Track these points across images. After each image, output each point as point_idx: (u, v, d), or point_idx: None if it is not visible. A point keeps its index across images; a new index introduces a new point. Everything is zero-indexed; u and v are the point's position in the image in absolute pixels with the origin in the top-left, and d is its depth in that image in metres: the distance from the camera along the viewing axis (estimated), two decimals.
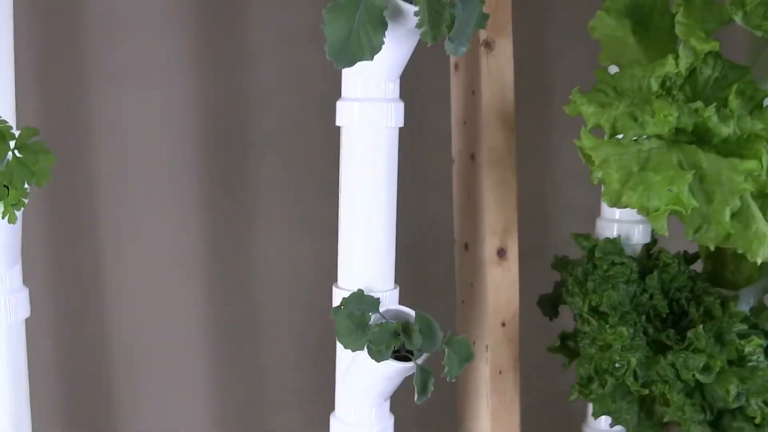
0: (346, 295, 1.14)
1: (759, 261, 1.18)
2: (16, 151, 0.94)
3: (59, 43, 1.56)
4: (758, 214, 1.20)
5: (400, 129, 1.13)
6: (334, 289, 1.18)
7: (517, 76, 1.28)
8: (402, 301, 1.16)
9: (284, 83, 1.67)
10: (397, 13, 1.03)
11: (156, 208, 1.64)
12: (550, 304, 1.42)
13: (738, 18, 1.22)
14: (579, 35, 1.34)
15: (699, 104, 1.18)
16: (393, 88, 1.12)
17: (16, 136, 0.96)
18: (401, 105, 1.13)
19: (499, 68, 1.25)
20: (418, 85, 1.47)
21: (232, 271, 1.69)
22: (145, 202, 1.63)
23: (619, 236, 1.36)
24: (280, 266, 1.71)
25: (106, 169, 1.61)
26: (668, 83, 1.24)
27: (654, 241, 1.41)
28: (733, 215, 1.18)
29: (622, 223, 1.36)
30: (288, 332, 1.74)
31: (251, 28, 1.65)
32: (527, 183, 1.43)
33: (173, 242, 1.65)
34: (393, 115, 1.12)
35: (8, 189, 0.92)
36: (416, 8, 0.99)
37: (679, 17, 1.23)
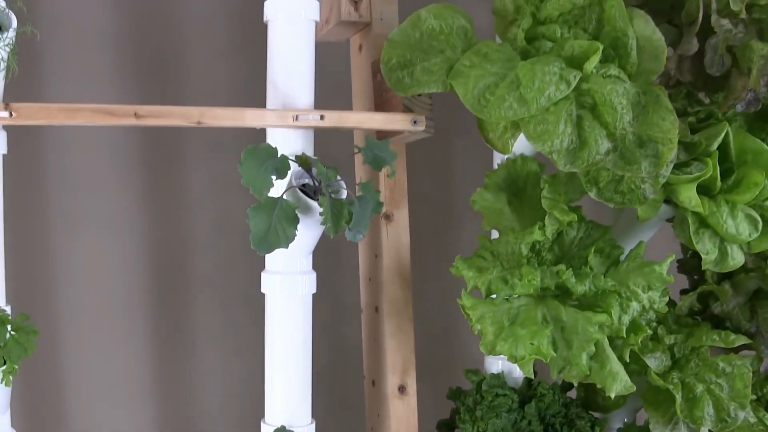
0: (271, 430, 1.37)
1: (612, 395, 1.42)
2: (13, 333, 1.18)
3: (23, 190, 1.77)
4: (612, 356, 1.44)
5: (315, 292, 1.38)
6: (262, 424, 1.41)
7: (413, 239, 1.53)
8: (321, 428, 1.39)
9: (218, 227, 1.89)
10: (307, 209, 1.28)
11: (108, 338, 1.85)
12: (447, 429, 1.66)
13: (593, 193, 1.48)
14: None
15: (560, 267, 1.44)
16: (306, 262, 1.37)
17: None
18: (314, 275, 1.37)
19: (397, 235, 1.51)
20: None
21: (173, 392, 1.90)
22: (99, 331, 1.84)
23: (503, 371, 1.60)
24: (214, 389, 1.92)
25: (65, 304, 1.82)
26: (537, 246, 1.49)
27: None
28: (591, 357, 1.42)
29: (505, 360, 1.60)
30: None
31: (188, 180, 1.88)
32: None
33: (123, 367, 1.86)
34: (307, 283, 1.36)
35: (5, 361, 1.16)
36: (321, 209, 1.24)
37: (545, 192, 1.48)
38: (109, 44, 1.80)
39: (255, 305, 1.78)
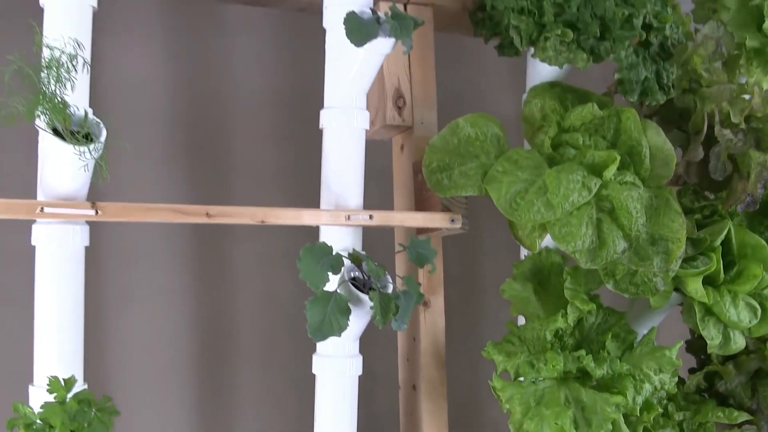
0: None
1: None
2: (97, 413, 1.34)
3: None
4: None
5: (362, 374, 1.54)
6: None
7: (448, 322, 1.70)
8: None
9: (261, 303, 2.05)
10: (358, 301, 1.44)
11: (156, 408, 1.99)
12: None
13: (610, 285, 1.65)
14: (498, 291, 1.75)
15: (581, 353, 1.60)
16: (354, 346, 1.53)
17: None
18: (359, 358, 1.54)
19: (433, 320, 1.67)
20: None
21: None
22: (147, 400, 1.99)
23: None
24: None
25: (116, 373, 1.97)
26: (560, 332, 1.66)
27: None
28: None
29: None
30: None
31: (232, 257, 2.04)
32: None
33: None
34: (354, 366, 1.53)
35: None
36: (371, 303, 1.41)
37: (567, 284, 1.65)
38: (159, 129, 1.95)
39: (298, 379, 1.95)
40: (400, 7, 1.69)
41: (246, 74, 2.02)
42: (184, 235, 1.99)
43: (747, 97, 1.72)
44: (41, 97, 1.28)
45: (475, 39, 1.76)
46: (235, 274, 2.03)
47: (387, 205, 1.79)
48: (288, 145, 2.04)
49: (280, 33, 2.06)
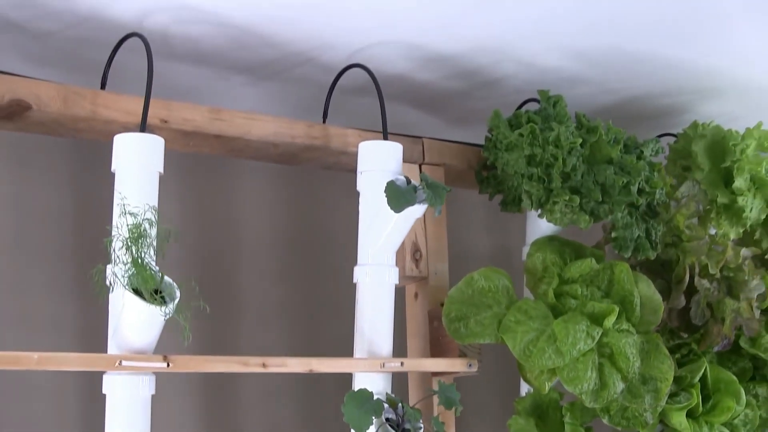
0: None
1: None
2: None
3: None
4: None
5: None
6: None
7: None
8: None
9: None
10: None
11: None
12: None
13: (605, 419, 1.84)
14: None
15: None
16: None
17: None
18: None
19: None
20: None
21: None
22: None
23: None
24: None
25: None
26: None
27: None
28: None
29: None
30: None
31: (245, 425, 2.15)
32: None
33: None
34: None
35: None
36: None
37: (566, 419, 1.83)
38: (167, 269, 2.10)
39: None
40: (415, 167, 1.88)
41: (253, 218, 2.19)
42: (197, 404, 2.08)
43: (719, 248, 1.95)
44: (134, 265, 1.42)
45: None
46: (241, 407, 2.15)
47: (396, 346, 1.95)
48: (291, 285, 2.20)
49: (285, 182, 2.23)
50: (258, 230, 2.21)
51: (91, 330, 1.91)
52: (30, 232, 1.94)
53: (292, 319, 2.20)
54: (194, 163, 2.03)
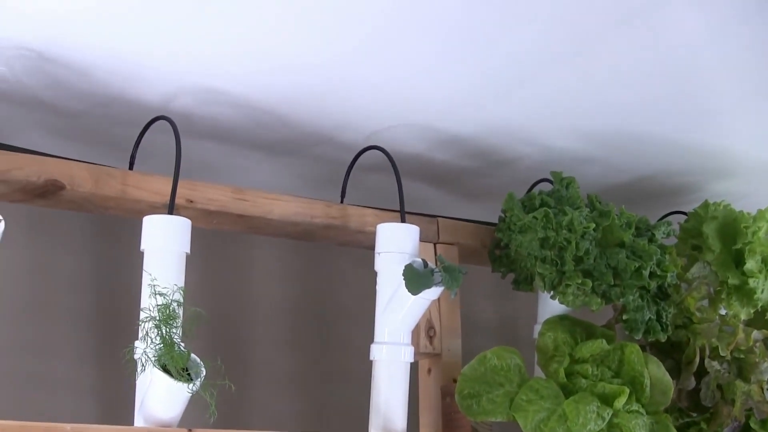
0: None
1: None
2: None
3: None
4: None
5: None
6: None
7: None
8: None
9: None
10: None
11: None
12: None
13: None
14: None
15: None
16: None
17: None
18: None
19: None
20: None
21: None
22: None
23: None
24: None
25: None
26: None
27: None
28: None
29: None
30: None
31: None
32: None
33: None
34: None
35: None
36: None
37: None
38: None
39: None
40: (429, 246, 1.92)
41: (265, 289, 2.23)
42: None
43: (729, 329, 1.98)
44: (164, 344, 1.47)
45: None
46: None
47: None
48: (303, 355, 2.24)
49: (298, 255, 2.27)
50: (271, 301, 2.25)
51: (110, 394, 1.95)
52: (52, 298, 2.00)
53: (303, 390, 2.23)
54: (210, 235, 2.07)
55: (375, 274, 1.79)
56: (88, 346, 2.02)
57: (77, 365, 2.00)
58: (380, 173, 1.97)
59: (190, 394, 1.50)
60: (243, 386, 2.14)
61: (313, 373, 2.25)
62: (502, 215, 1.95)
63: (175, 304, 1.53)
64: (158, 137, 1.71)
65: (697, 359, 1.95)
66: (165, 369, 1.50)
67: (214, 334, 2.12)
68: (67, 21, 1.43)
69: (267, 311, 2.24)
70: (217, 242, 2.13)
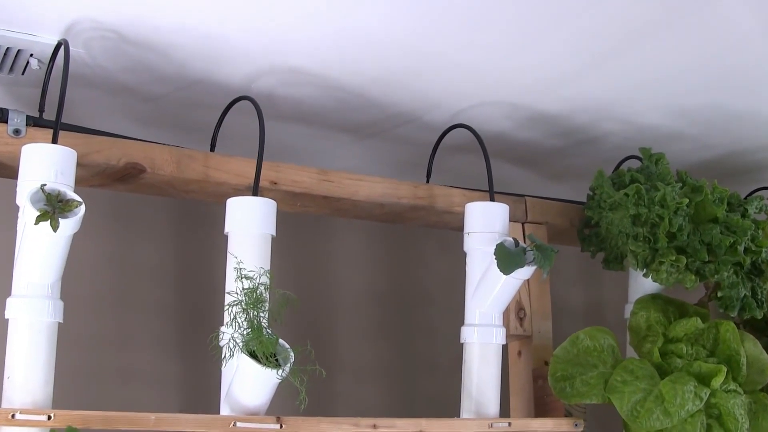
0: None
1: None
2: None
3: None
4: None
5: None
6: None
7: None
8: None
9: None
10: None
11: None
12: None
13: None
14: None
15: None
16: None
17: None
18: None
19: None
20: None
21: None
22: None
23: None
24: None
25: None
26: None
27: None
28: None
29: None
30: None
31: None
32: None
33: None
34: None
35: None
36: None
37: None
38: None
39: None
40: (518, 226, 1.88)
41: (349, 274, 2.20)
42: None
43: None
44: (252, 329, 1.44)
45: None
46: None
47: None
48: (386, 342, 2.21)
49: (380, 239, 2.24)
50: (355, 287, 2.23)
51: (194, 384, 1.93)
52: (133, 287, 1.98)
53: (389, 377, 2.20)
54: (291, 219, 2.05)
55: (460, 257, 1.75)
56: (170, 336, 2.01)
57: (160, 356, 1.99)
58: (464, 153, 1.93)
59: (279, 381, 1.47)
60: (327, 374, 2.14)
61: (399, 360, 2.23)
62: (591, 193, 1.90)
63: (262, 287, 1.50)
64: (238, 119, 1.69)
65: None
66: (252, 355, 1.47)
67: (297, 320, 2.10)
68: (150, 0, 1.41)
69: (351, 297, 2.21)
70: (299, 227, 2.11)
